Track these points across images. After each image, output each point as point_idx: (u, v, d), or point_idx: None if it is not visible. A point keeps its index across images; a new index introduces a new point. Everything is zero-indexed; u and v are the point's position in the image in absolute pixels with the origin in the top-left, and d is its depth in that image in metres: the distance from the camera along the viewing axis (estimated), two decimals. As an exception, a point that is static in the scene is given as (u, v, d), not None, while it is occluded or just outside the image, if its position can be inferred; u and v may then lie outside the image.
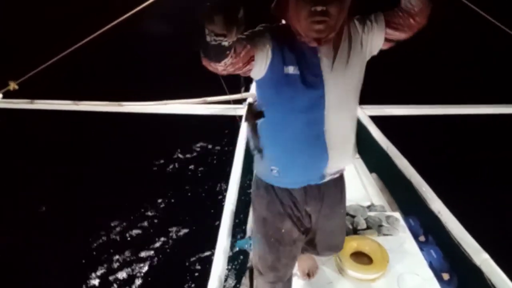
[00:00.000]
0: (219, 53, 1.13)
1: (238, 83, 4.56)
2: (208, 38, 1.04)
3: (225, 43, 1.05)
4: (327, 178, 1.67)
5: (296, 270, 2.19)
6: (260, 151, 1.63)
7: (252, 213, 1.91)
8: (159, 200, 4.91)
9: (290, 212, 1.70)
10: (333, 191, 1.77)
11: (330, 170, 1.63)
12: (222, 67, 1.22)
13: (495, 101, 4.18)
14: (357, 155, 3.43)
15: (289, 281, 1.97)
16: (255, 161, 1.73)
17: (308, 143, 1.54)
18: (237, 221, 2.58)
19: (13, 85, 3.91)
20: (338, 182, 1.79)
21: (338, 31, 1.41)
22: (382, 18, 1.46)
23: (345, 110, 1.54)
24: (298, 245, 1.85)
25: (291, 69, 1.42)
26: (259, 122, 1.58)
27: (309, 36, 1.39)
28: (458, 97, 4.21)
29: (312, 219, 1.78)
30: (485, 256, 2.30)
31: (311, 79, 1.44)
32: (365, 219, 2.76)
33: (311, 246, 1.97)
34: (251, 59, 1.32)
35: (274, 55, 1.40)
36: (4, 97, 4.11)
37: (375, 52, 1.54)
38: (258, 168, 1.74)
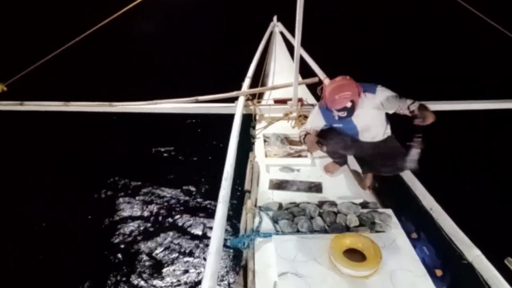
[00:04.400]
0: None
1: (229, 82, 4.57)
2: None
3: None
4: (366, 140, 3.04)
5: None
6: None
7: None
8: (151, 200, 4.90)
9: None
10: (379, 145, 3.03)
11: (363, 139, 3.05)
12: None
13: (489, 97, 4.22)
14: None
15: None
16: None
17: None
18: (230, 220, 2.57)
19: (1, 87, 3.88)
20: (384, 143, 3.02)
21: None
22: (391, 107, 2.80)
23: (368, 131, 2.99)
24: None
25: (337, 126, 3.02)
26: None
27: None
28: (450, 92, 4.24)
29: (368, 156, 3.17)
30: (477, 252, 2.32)
31: (348, 127, 2.97)
32: (358, 216, 2.77)
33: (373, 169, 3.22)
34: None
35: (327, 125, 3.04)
36: (-7, 99, 4.07)
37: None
38: None
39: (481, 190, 4.65)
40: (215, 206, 2.55)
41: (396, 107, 2.74)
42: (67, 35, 3.74)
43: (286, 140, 3.91)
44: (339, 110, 2.74)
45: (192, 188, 5.02)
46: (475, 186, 4.71)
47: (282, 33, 6.49)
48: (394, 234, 2.60)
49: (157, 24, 10.98)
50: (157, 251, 4.18)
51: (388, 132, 3.05)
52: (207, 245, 2.27)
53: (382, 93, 2.78)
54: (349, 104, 2.68)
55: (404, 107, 2.67)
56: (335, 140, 3.08)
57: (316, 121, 3.06)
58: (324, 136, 3.12)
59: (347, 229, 2.69)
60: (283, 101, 4.58)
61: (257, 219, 2.80)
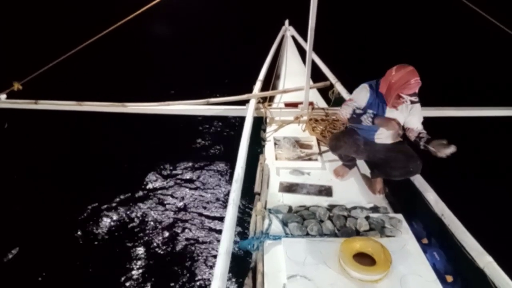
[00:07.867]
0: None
1: (240, 85, 4.60)
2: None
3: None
4: (381, 142, 3.09)
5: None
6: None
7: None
8: (160, 201, 4.91)
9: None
10: (392, 148, 3.06)
11: (377, 140, 3.09)
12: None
13: (498, 104, 4.19)
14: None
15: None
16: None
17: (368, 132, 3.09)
18: (240, 221, 2.57)
19: (17, 86, 3.95)
20: (396, 146, 3.06)
21: None
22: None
23: (386, 132, 2.99)
24: None
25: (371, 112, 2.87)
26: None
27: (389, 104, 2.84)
28: (461, 99, 4.22)
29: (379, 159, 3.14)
30: (489, 259, 2.29)
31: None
32: (368, 221, 2.76)
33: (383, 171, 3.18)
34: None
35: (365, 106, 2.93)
36: (9, 97, 4.14)
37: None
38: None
39: (493, 197, 4.59)
40: (225, 207, 2.56)
41: (413, 126, 2.90)
42: (82, 36, 3.80)
43: (297, 143, 3.92)
44: (411, 95, 2.67)
45: (202, 190, 5.02)
46: (487, 192, 4.64)
47: (293, 37, 6.52)
48: (404, 239, 2.58)
49: (170, 26, 11.07)
50: (166, 252, 4.19)
51: (400, 137, 3.04)
52: (217, 246, 2.28)
53: (419, 107, 2.89)
54: (417, 90, 2.67)
55: (416, 133, 2.86)
56: (348, 142, 3.07)
57: (362, 95, 2.93)
58: (338, 138, 3.12)
59: (357, 233, 2.68)
60: (294, 105, 4.59)
61: (266, 222, 2.80)
